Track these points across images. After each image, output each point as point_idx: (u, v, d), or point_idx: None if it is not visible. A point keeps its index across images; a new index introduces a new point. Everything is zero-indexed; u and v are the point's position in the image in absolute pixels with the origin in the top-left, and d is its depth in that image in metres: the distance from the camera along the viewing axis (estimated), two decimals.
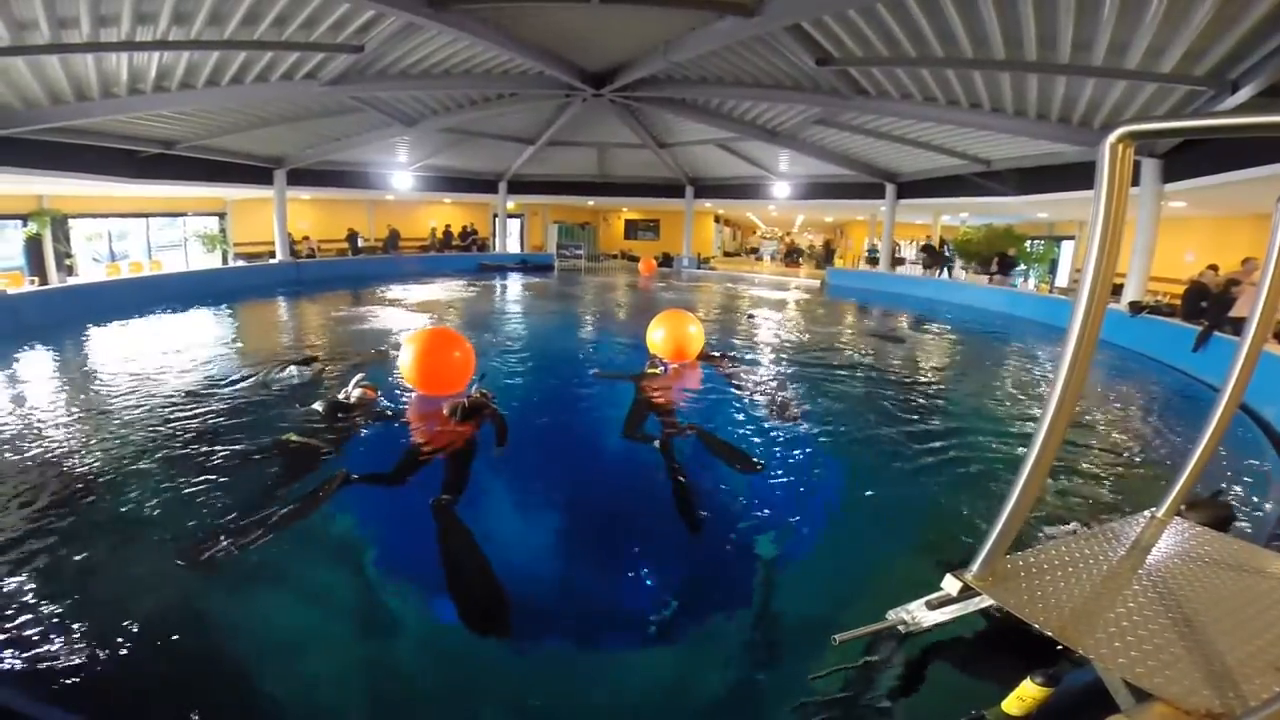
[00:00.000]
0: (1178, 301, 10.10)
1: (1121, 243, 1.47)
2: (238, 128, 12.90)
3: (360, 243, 21.07)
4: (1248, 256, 9.02)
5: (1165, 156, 9.62)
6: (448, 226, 23.31)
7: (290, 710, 2.46)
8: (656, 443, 5.10)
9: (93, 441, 4.78)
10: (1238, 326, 7.72)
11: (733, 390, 6.76)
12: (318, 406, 5.42)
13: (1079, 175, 11.55)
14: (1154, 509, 1.98)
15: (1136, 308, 9.91)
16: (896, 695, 2.34)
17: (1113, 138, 1.40)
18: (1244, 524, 3.59)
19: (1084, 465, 4.92)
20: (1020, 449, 5.14)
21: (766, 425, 5.61)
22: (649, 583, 3.35)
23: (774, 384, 7.12)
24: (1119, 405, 6.93)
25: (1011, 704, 1.69)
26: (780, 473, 4.63)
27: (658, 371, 6.91)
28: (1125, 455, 5.28)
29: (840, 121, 13.51)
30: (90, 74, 8.74)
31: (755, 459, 4.83)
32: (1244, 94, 6.81)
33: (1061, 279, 18.82)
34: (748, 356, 8.47)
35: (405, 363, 5.76)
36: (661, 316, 7.46)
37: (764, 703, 2.54)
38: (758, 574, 3.42)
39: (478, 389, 5.59)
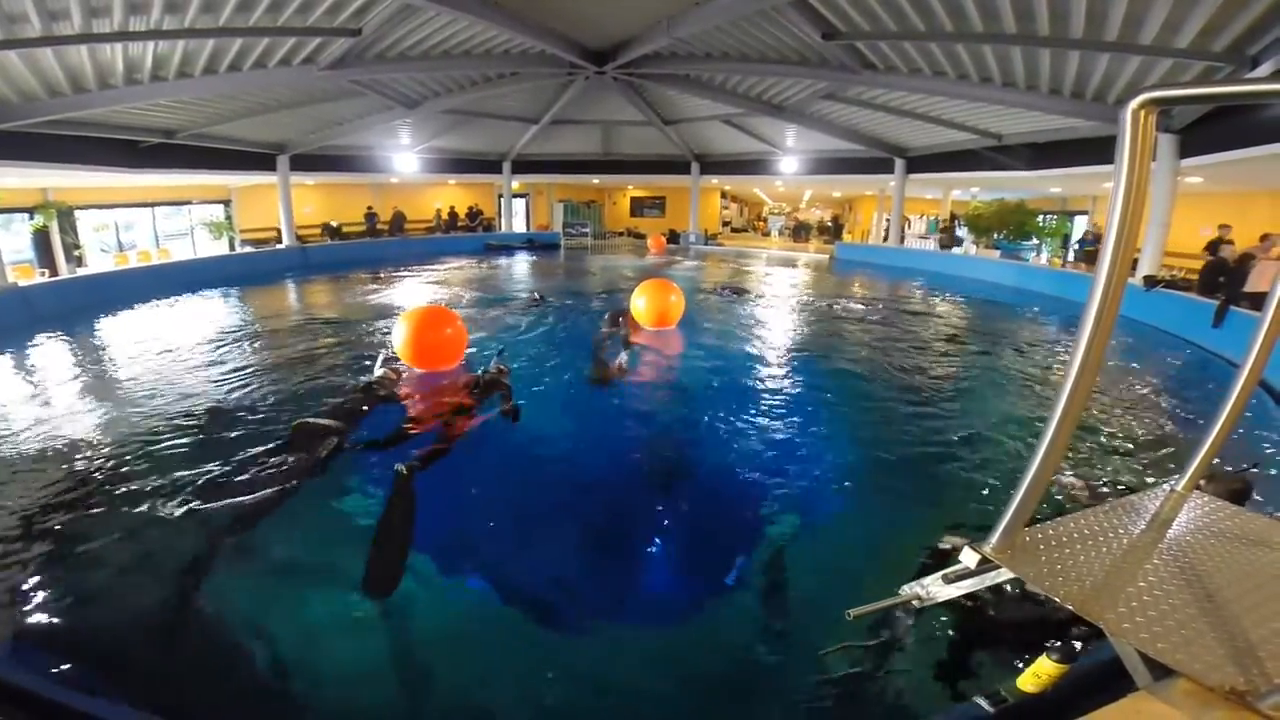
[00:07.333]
0: (1194, 276, 9.96)
1: (1144, 214, 1.43)
2: (238, 115, 12.84)
3: (336, 225, 20.65)
4: (1266, 233, 8.87)
5: (1182, 132, 9.41)
6: (452, 208, 23.22)
7: (295, 680, 2.52)
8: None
9: (109, 427, 4.85)
10: (1255, 301, 7.67)
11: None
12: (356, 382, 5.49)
13: (1092, 150, 11.35)
14: (1173, 483, 1.95)
15: (1151, 282, 9.77)
16: (911, 670, 2.36)
17: (1134, 104, 1.34)
18: (1261, 500, 3.56)
19: (1101, 438, 4.88)
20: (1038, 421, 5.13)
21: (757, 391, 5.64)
22: (655, 559, 3.37)
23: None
24: (1134, 378, 6.87)
25: (1027, 680, 1.69)
26: (786, 444, 4.64)
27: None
28: (1142, 428, 5.24)
29: (848, 96, 13.28)
30: (86, 65, 8.68)
31: None
32: (1264, 69, 6.69)
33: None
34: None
35: (399, 340, 5.85)
36: (644, 285, 7.88)
37: (779, 678, 2.57)
38: (769, 548, 3.44)
39: (496, 363, 5.63)
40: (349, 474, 4.07)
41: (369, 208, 20.86)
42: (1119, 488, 3.83)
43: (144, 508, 3.60)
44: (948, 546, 2.71)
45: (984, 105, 11.40)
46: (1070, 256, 17.69)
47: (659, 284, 7.96)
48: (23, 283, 10.33)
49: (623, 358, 6.83)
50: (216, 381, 5.99)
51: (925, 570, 1.91)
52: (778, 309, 10.54)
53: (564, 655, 2.72)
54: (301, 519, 3.61)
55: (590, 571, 3.38)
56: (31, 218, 14.12)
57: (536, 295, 10.50)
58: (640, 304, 7.70)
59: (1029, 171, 13.52)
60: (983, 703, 1.79)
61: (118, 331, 8.72)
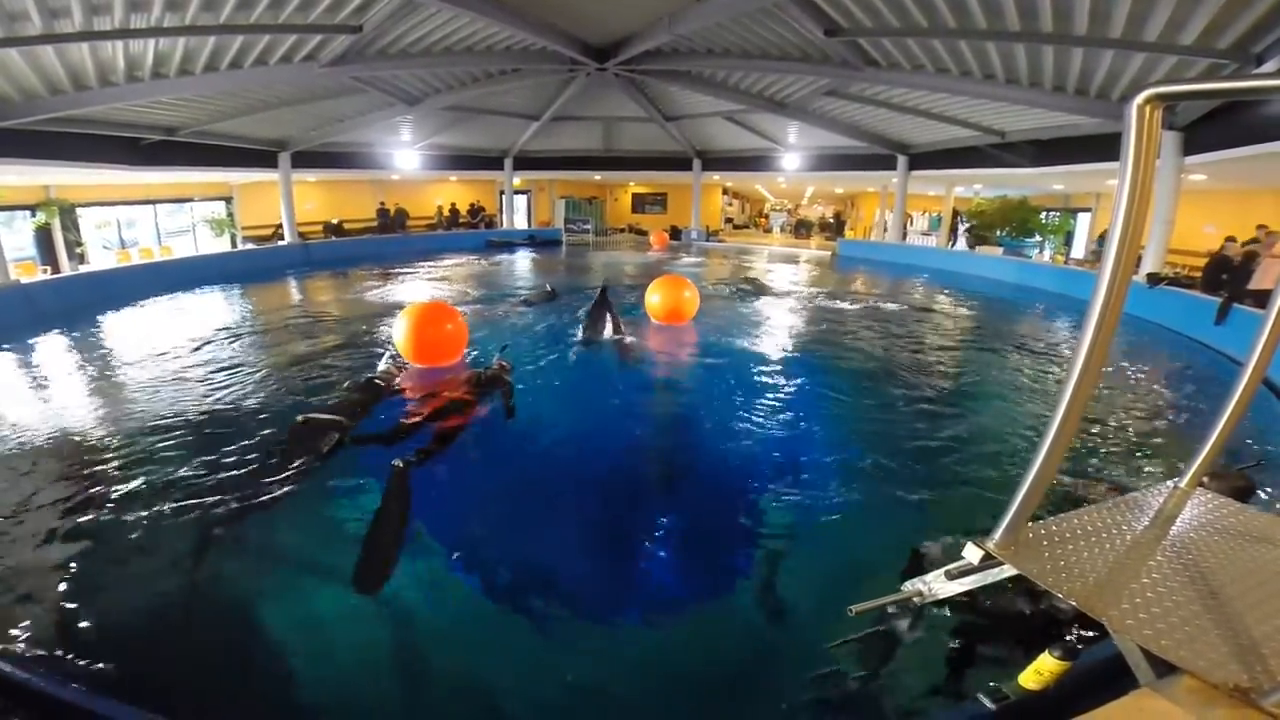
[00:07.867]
0: (1197, 274, 9.94)
1: (1148, 211, 1.43)
2: (239, 112, 12.82)
3: (336, 222, 20.53)
4: (1270, 230, 8.84)
5: (1185, 129, 9.37)
6: (454, 205, 23.21)
7: (291, 677, 2.52)
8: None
9: (111, 424, 4.85)
10: (1259, 299, 7.64)
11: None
12: (350, 384, 5.51)
13: (1096, 147, 11.31)
14: (1176, 479, 1.95)
15: (1155, 279, 9.74)
16: (913, 667, 2.36)
17: (1140, 99, 1.33)
18: (1265, 497, 3.56)
19: (1104, 435, 4.87)
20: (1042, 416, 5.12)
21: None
22: (653, 556, 3.37)
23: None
24: (1137, 375, 6.86)
25: (1029, 677, 1.68)
26: (787, 440, 4.63)
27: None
28: (1146, 424, 5.23)
29: (850, 93, 13.25)
30: (87, 63, 8.67)
31: None
32: (1269, 66, 6.68)
33: (1077, 251, 18.53)
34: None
35: (399, 335, 5.87)
36: (658, 281, 8.06)
37: (780, 675, 2.57)
38: (770, 545, 3.43)
39: (498, 359, 5.65)
40: (348, 469, 4.07)
41: (381, 203, 20.88)
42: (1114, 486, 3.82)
43: (144, 504, 3.61)
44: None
45: (987, 102, 11.36)
46: (1082, 254, 17.64)
47: (673, 280, 8.14)
48: (25, 280, 10.35)
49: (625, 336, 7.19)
50: (218, 378, 6.00)
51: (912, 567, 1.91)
52: (781, 306, 10.52)
53: (560, 653, 2.72)
54: (301, 514, 3.62)
55: (587, 569, 3.38)
56: (34, 215, 14.14)
57: (549, 288, 10.73)
58: (655, 299, 7.84)
59: (1032, 169, 13.47)
60: (985, 700, 1.79)
61: (120, 329, 8.72)
